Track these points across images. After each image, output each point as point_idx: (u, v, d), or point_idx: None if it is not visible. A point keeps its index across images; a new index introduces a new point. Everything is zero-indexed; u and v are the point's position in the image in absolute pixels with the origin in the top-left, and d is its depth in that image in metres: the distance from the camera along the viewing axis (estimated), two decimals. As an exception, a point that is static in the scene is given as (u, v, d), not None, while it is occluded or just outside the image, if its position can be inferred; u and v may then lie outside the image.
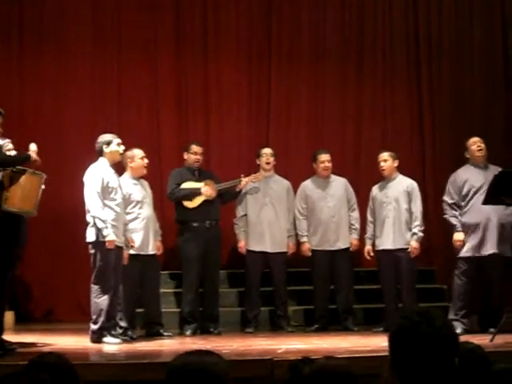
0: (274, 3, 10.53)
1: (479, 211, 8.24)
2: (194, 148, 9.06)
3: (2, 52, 9.93)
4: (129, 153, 8.42)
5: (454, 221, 8.46)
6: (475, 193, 8.35)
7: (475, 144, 8.51)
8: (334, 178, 9.30)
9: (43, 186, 7.10)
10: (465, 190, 8.42)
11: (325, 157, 9.19)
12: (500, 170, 8.01)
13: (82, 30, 10.06)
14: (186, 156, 9.09)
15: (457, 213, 8.45)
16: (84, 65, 10.09)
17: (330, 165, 9.20)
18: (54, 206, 9.11)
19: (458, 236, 8.41)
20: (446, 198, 8.56)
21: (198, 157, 9.04)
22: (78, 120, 9.97)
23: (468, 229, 8.37)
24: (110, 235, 7.65)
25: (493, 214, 8.24)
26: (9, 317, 8.58)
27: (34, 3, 10.03)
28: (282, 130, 10.49)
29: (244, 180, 9.04)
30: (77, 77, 10.03)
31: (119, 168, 8.33)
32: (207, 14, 10.38)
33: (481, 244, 8.31)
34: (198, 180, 8.93)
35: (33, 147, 7.05)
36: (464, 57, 10.77)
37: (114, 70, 10.20)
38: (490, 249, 8.28)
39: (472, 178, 8.43)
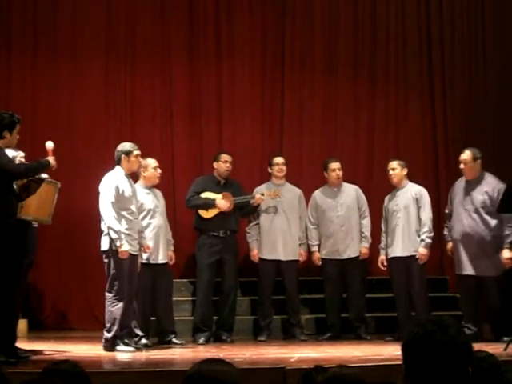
0: (287, 12, 10.53)
1: (458, 226, 8.48)
2: (224, 157, 9.08)
3: (17, 60, 9.97)
4: (143, 162, 8.40)
5: (445, 231, 8.81)
6: (457, 206, 8.53)
7: (460, 164, 8.54)
8: (345, 185, 9.30)
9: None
10: (452, 203, 8.66)
11: (336, 165, 9.19)
12: (493, 180, 8.29)
13: (95, 38, 10.09)
14: (215, 165, 9.09)
15: (449, 223, 8.71)
16: (97, 73, 10.10)
17: (340, 173, 9.21)
18: (67, 213, 9.13)
19: (448, 245, 8.77)
20: (446, 209, 8.87)
21: (228, 165, 9.05)
22: (91, 129, 10.00)
23: (453, 243, 8.64)
24: (123, 246, 7.68)
25: (470, 229, 8.37)
26: (22, 325, 8.61)
27: (49, 12, 10.05)
28: (295, 139, 10.48)
29: (258, 196, 9.03)
30: (90, 85, 10.05)
31: (133, 176, 8.34)
32: (220, 23, 10.39)
33: (461, 261, 8.49)
34: (221, 190, 8.94)
35: (49, 145, 7.06)
36: (477, 65, 10.75)
37: (128, 79, 10.22)
38: (467, 269, 8.44)
39: (458, 191, 8.58)
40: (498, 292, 8.29)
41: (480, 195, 8.34)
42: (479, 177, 8.46)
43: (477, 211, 8.34)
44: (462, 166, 8.50)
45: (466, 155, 8.48)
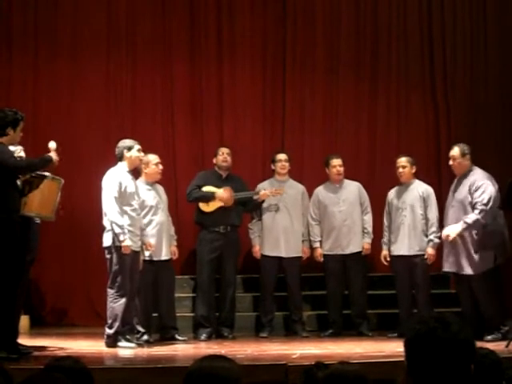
0: (288, 12, 10.49)
1: (446, 223, 8.43)
2: (221, 149, 9.14)
3: (18, 60, 9.99)
4: (144, 158, 8.41)
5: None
6: (447, 203, 8.51)
7: (449, 160, 8.51)
8: (346, 182, 9.29)
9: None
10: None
11: (337, 161, 9.18)
12: (478, 176, 8.18)
13: (96, 37, 10.10)
14: (214, 160, 9.13)
15: None
16: (98, 73, 10.11)
17: (342, 169, 9.20)
18: (68, 210, 9.11)
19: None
20: None
21: (225, 156, 9.07)
22: (92, 126, 10.00)
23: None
24: (126, 241, 7.69)
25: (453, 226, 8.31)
26: (24, 321, 8.62)
27: (49, 12, 10.06)
28: (297, 136, 10.46)
29: (263, 191, 9.02)
30: (91, 85, 10.06)
31: (134, 173, 8.34)
32: (222, 21, 10.38)
33: (443, 258, 8.49)
34: (223, 185, 8.95)
35: (52, 145, 7.07)
36: (479, 65, 10.70)
37: (129, 77, 10.22)
38: (445, 266, 8.44)
39: (451, 188, 8.53)
40: (481, 291, 8.15)
41: (463, 192, 8.25)
42: (467, 173, 8.37)
43: (458, 208, 8.27)
44: (450, 162, 8.47)
45: (455, 151, 8.43)
